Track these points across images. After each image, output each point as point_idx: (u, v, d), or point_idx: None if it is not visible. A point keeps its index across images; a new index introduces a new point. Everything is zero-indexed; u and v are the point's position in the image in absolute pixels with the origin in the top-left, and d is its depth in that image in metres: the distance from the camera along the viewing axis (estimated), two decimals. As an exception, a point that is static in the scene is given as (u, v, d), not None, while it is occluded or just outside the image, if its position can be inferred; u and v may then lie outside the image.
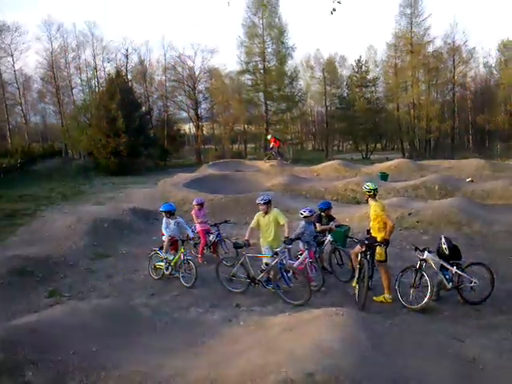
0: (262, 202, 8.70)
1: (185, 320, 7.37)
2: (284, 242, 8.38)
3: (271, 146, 28.40)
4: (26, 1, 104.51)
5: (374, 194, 8.12)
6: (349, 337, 5.38)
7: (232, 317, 7.49)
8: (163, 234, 9.91)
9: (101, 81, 49.85)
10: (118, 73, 42.53)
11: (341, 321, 5.81)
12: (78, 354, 5.57)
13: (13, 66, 49.74)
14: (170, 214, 9.90)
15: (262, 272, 8.52)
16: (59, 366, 5.30)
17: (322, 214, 10.10)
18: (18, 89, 50.84)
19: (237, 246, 9.02)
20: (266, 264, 8.43)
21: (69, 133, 45.01)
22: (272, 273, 8.33)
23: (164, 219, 9.94)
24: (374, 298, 8.17)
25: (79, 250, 11.59)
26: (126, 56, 49.88)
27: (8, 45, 48.88)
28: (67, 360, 5.42)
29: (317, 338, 5.36)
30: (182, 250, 9.41)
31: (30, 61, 73.49)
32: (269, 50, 49.25)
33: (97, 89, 48.18)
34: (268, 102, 49.87)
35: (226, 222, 11.52)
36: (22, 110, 51.71)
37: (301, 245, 9.05)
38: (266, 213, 8.68)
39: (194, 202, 11.33)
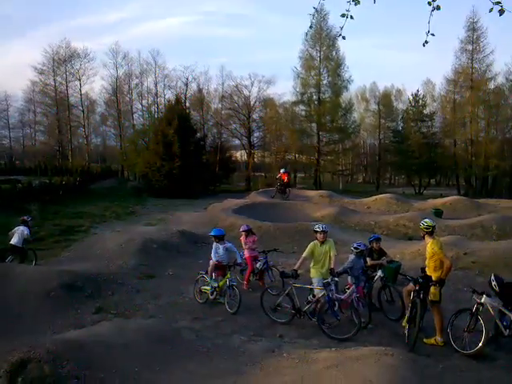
0: (320, 230, 8.56)
1: (227, 347, 7.25)
2: (330, 273, 8.17)
3: (283, 180, 26.85)
4: (96, 29, 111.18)
5: (432, 230, 7.80)
6: (399, 379, 5.09)
7: (275, 347, 7.30)
8: (211, 259, 9.92)
9: (160, 107, 51.73)
10: (178, 100, 44.00)
11: (390, 361, 5.52)
12: (120, 373, 5.60)
13: (80, 90, 52.75)
14: (220, 238, 9.93)
15: (308, 303, 8.30)
16: (101, 384, 5.28)
17: (373, 248, 9.81)
18: (83, 111, 53.67)
19: (284, 276, 8.87)
20: (314, 296, 8.21)
21: (126, 155, 46.69)
22: (319, 305, 8.09)
23: (214, 244, 9.98)
24: (425, 339, 7.75)
25: (128, 269, 11.80)
26: (186, 84, 51.62)
27: (77, 70, 52.00)
28: (110, 378, 5.46)
29: (364, 377, 5.12)
30: (228, 276, 9.38)
31: (96, 86, 77.74)
32: (324, 81, 49.47)
33: (156, 114, 49.96)
34: (321, 133, 49.80)
35: (274, 250, 11.39)
36: (84, 131, 54.38)
37: (349, 279, 8.81)
38: (323, 242, 8.52)
39: (241, 229, 11.35)
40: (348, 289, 8.58)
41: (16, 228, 12.27)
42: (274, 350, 7.16)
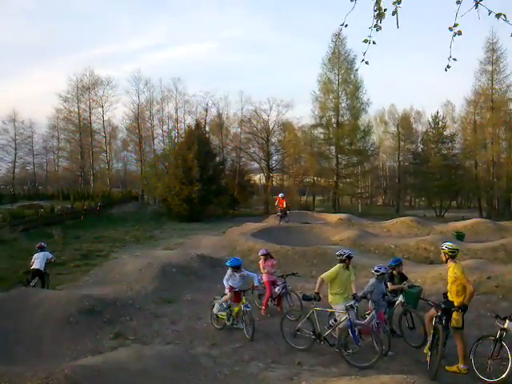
0: (346, 255, 8.44)
1: (245, 374, 7.16)
2: (353, 298, 8.05)
3: (279, 205, 26.55)
4: (118, 56, 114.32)
5: (455, 254, 7.64)
6: (420, 410, 4.93)
7: (294, 375, 7.18)
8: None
9: (180, 132, 52.50)
10: (198, 125, 44.66)
11: (411, 391, 5.36)
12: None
13: (102, 116, 54.05)
14: (237, 268, 9.83)
15: (329, 328, 8.15)
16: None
17: (394, 272, 9.66)
18: (105, 137, 54.84)
19: (306, 299, 8.74)
20: (335, 320, 8.06)
21: (146, 179, 47.30)
22: (340, 330, 7.91)
23: (228, 271, 9.86)
24: (447, 367, 7.51)
25: (147, 293, 11.82)
26: (206, 109, 52.40)
27: (100, 97, 53.39)
28: None
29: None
30: (243, 301, 9.31)
31: (118, 112, 79.50)
32: (343, 104, 49.68)
33: (176, 139, 50.69)
34: (339, 156, 49.78)
35: (293, 274, 11.26)
36: (106, 156, 55.43)
37: (369, 304, 8.63)
38: (347, 267, 8.43)
39: (260, 253, 11.28)
40: (368, 314, 8.43)
41: (36, 254, 12.57)
42: (293, 378, 7.04)
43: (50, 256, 12.73)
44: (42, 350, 8.36)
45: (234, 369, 7.33)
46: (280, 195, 27.14)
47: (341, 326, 7.92)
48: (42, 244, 13.01)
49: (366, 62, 4.21)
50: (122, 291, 11.75)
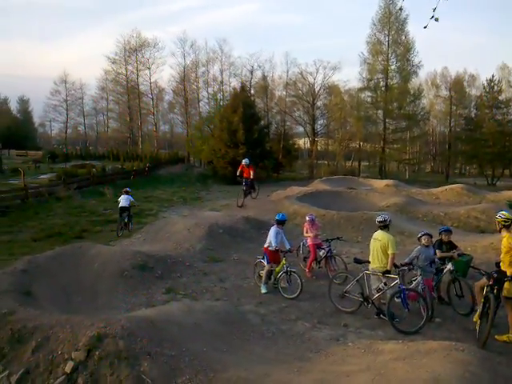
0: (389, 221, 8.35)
1: (291, 333, 7.35)
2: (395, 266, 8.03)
3: (243, 175, 19.84)
4: (164, 18, 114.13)
5: (510, 223, 7.40)
6: (470, 375, 4.93)
7: (340, 336, 7.32)
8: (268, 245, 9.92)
9: (226, 94, 52.39)
10: (243, 88, 44.43)
11: (461, 357, 5.35)
12: (189, 352, 5.78)
13: (149, 78, 54.63)
14: (283, 224, 10.00)
15: (378, 291, 8.15)
16: (172, 362, 5.52)
17: (443, 239, 9.49)
18: (152, 99, 55.61)
19: (358, 262, 8.78)
20: (385, 284, 8.06)
21: (192, 142, 47.84)
22: (389, 294, 7.93)
23: (274, 229, 9.93)
24: (497, 336, 7.41)
25: (195, 252, 12.19)
26: (251, 72, 51.88)
27: (147, 59, 53.87)
28: (179, 356, 5.63)
29: (433, 371, 5.00)
30: (284, 262, 9.43)
31: (164, 74, 79.91)
32: (393, 67, 47.90)
33: (221, 102, 50.71)
34: (387, 120, 48.37)
35: (337, 238, 11.30)
36: (153, 119, 56.36)
37: (416, 270, 8.56)
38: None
39: (308, 218, 11.30)
40: (415, 280, 8.39)
41: (122, 196, 15.83)
42: (339, 339, 7.18)
43: (132, 199, 16.02)
44: (98, 302, 8.83)
45: (280, 327, 7.53)
46: (244, 161, 19.61)
47: (390, 289, 7.92)
48: (128, 189, 16.42)
49: (436, 19, 4.01)
50: (171, 249, 12.16)
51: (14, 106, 79.49)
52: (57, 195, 22.51)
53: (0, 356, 5.77)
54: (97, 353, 5.46)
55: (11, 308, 6.56)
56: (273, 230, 9.92)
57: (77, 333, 5.77)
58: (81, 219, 17.85)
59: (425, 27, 4.11)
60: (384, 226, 8.31)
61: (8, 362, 5.68)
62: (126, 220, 15.54)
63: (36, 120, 79.51)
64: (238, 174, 19.45)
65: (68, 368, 5.34)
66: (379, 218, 8.49)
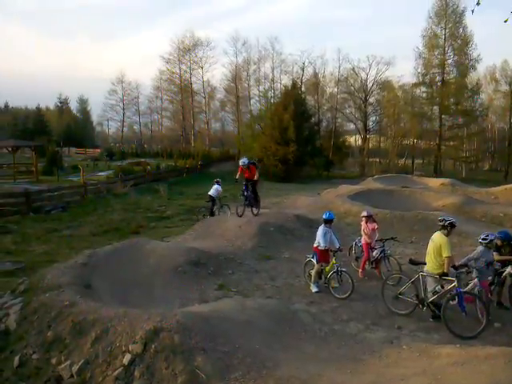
0: (449, 222, 7.88)
1: (344, 333, 7.28)
2: (453, 267, 7.73)
3: (248, 178, 14.88)
4: (216, 17, 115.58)
5: None
6: (534, 385, 4.70)
7: (393, 339, 7.17)
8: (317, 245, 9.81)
9: (276, 92, 52.48)
10: (294, 85, 44.34)
11: (524, 365, 5.11)
12: (242, 349, 5.82)
13: (202, 77, 55.64)
14: (331, 223, 9.84)
15: (434, 294, 7.91)
16: (225, 358, 5.56)
17: (499, 242, 9.02)
18: (204, 98, 56.60)
19: (413, 263, 8.57)
20: (442, 286, 7.81)
21: (243, 140, 48.28)
22: (446, 297, 7.67)
23: (323, 228, 9.78)
24: None
25: (247, 249, 12.29)
26: (302, 69, 51.67)
27: (200, 58, 54.90)
28: (232, 353, 5.67)
29: (493, 378, 4.80)
30: (334, 262, 9.32)
31: (217, 73, 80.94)
32: (449, 61, 46.33)
33: (272, 99, 50.83)
34: (443, 117, 46.81)
35: (392, 238, 11.05)
36: (205, 117, 57.32)
37: (473, 273, 8.23)
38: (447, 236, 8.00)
39: (363, 214, 11.09)
40: (471, 283, 8.08)
41: (213, 186, 17.44)
42: (393, 342, 7.03)
43: (220, 189, 17.68)
44: (154, 296, 9.07)
45: (333, 327, 7.47)
46: (241, 162, 14.86)
47: (447, 293, 7.67)
48: (218, 180, 18.20)
49: (477, 3, 3.87)
50: (223, 246, 12.32)
51: (73, 105, 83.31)
52: (114, 192, 23.43)
53: (62, 346, 6.03)
54: (153, 346, 5.58)
55: (73, 300, 6.84)
56: (321, 230, 9.80)
57: (134, 326, 5.93)
58: (136, 215, 18.44)
59: (505, 21, 3.94)
60: (442, 226, 7.98)
61: (69, 352, 5.91)
62: (213, 208, 17.25)
63: (94, 119, 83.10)
64: (237, 176, 14.81)
65: (126, 360, 5.49)
66: (440, 217, 8.20)
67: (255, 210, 15.14)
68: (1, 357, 6.29)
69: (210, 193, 17.30)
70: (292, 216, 15.68)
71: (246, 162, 14.62)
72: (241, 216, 14.64)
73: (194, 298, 9.06)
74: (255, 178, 14.70)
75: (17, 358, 6.05)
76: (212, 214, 17.07)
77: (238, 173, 14.70)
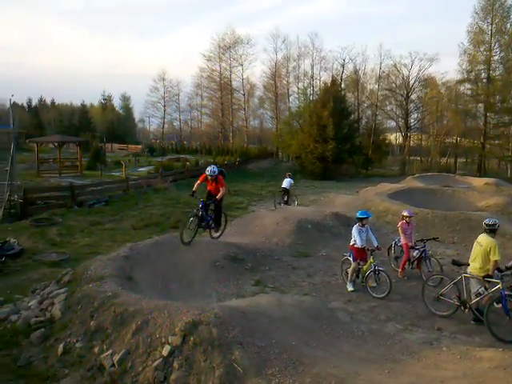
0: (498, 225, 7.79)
1: (382, 333, 7.18)
2: (497, 270, 7.52)
3: (210, 191, 11.12)
4: (255, 14, 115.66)
5: None
6: None
7: (433, 340, 7.02)
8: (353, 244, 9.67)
9: (315, 89, 52.11)
10: (334, 82, 43.88)
11: None
12: (278, 345, 5.84)
13: (241, 74, 55.94)
14: (363, 221, 9.65)
15: (477, 296, 7.70)
16: (262, 353, 5.59)
17: None
18: (244, 95, 56.88)
19: (456, 264, 8.38)
20: (486, 288, 7.60)
21: (281, 137, 48.22)
22: (489, 300, 7.44)
23: (357, 227, 9.63)
24: None
25: (284, 246, 12.32)
26: (342, 65, 51.12)
27: (240, 56, 55.17)
28: (269, 348, 5.70)
29: (539, 385, 4.66)
30: (372, 261, 9.20)
31: (256, 70, 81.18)
32: (496, 57, 44.66)
33: (311, 97, 50.49)
34: (488, 114, 45.21)
35: (433, 239, 10.83)
36: (244, 114, 57.60)
37: None
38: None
39: (406, 213, 10.86)
40: None
41: (285, 179, 19.44)
42: (432, 343, 6.90)
43: (292, 182, 19.62)
44: (192, 289, 9.23)
45: (370, 327, 7.39)
46: (209, 170, 10.69)
47: (491, 295, 7.45)
48: (290, 173, 20.40)
49: None
50: (260, 242, 12.38)
51: (117, 102, 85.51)
52: (154, 187, 23.92)
53: (104, 336, 6.22)
54: (192, 339, 5.67)
55: (115, 291, 7.04)
56: (355, 229, 9.65)
57: (173, 318, 6.04)
58: (176, 210, 18.77)
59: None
60: (491, 230, 7.77)
61: (111, 341, 6.09)
62: (285, 199, 19.19)
63: (136, 116, 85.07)
64: (194, 188, 10.80)
65: (165, 351, 5.60)
66: (488, 221, 7.92)
67: (215, 233, 11.38)
68: (46, 344, 6.54)
69: (283, 186, 19.32)
70: (330, 214, 15.57)
71: (216, 170, 10.70)
72: (187, 244, 10.31)
73: (231, 292, 9.16)
74: (219, 195, 10.70)
75: (61, 346, 6.27)
76: (286, 202, 19.19)
77: (198, 182, 10.88)
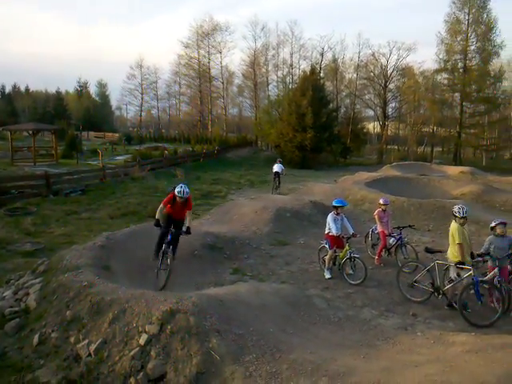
0: (462, 216, 7.83)
1: (358, 319, 7.29)
2: (471, 256, 7.68)
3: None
4: (237, 2, 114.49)
5: None
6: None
7: (408, 325, 7.17)
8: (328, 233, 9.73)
9: (295, 78, 52.03)
10: (313, 70, 43.88)
11: (541, 354, 5.07)
12: (256, 332, 5.85)
13: (220, 62, 55.46)
14: (338, 209, 9.73)
15: (450, 282, 7.88)
16: (239, 340, 5.60)
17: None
18: (222, 83, 56.44)
19: (429, 251, 8.55)
20: (458, 275, 7.76)
21: (260, 126, 48.13)
22: (461, 286, 7.60)
23: (332, 215, 9.72)
24: None
25: (262, 235, 12.36)
26: (322, 54, 51.10)
27: (218, 43, 54.64)
28: (247, 336, 5.71)
29: (508, 367, 4.76)
30: (348, 248, 9.31)
31: (235, 58, 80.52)
32: (472, 47, 45.27)
33: (290, 85, 50.42)
34: (464, 104, 45.90)
35: (409, 226, 11.00)
36: (223, 102, 57.26)
37: (489, 262, 8.13)
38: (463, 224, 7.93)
39: (382, 201, 11.01)
40: (489, 273, 7.99)
41: (275, 165, 21.35)
42: (407, 328, 7.04)
43: (283, 168, 21.65)
44: (172, 279, 9.18)
45: (347, 313, 7.49)
46: (178, 190, 8.68)
47: (464, 281, 7.62)
48: (280, 159, 22.75)
49: None
50: (239, 231, 12.40)
51: (93, 89, 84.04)
52: (132, 176, 23.63)
53: (80, 326, 6.13)
54: (169, 327, 5.65)
55: (91, 281, 6.94)
56: (330, 217, 9.74)
57: (151, 307, 6.00)
58: (154, 199, 18.59)
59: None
60: (454, 215, 7.95)
61: (87, 331, 6.01)
62: (277, 183, 20.94)
63: (113, 103, 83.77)
64: (157, 217, 8.85)
65: (142, 340, 5.56)
66: (453, 208, 8.10)
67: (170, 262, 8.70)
68: (21, 335, 6.45)
69: (275, 170, 21.08)
70: (308, 202, 15.68)
71: (188, 190, 8.87)
72: (161, 288, 8.33)
73: (209, 281, 9.16)
74: (189, 223, 8.89)
75: (36, 337, 6.18)
76: (278, 186, 21.14)
77: (162, 206, 8.87)
